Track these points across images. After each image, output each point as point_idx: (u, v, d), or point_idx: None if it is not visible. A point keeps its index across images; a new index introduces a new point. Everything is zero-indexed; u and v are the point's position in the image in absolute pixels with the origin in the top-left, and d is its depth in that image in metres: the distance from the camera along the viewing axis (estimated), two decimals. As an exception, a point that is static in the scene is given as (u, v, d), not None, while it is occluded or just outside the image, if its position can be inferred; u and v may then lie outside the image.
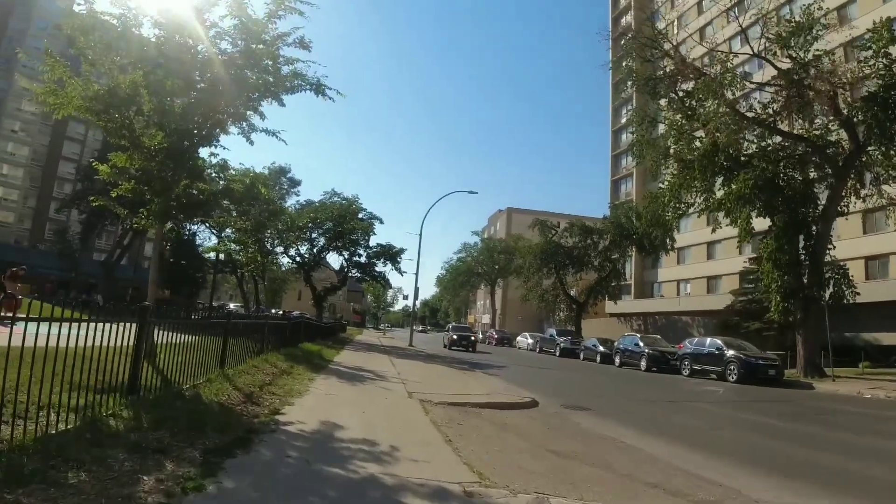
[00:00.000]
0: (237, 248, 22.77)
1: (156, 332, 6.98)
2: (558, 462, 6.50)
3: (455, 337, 37.96)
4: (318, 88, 11.64)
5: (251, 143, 11.22)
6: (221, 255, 28.12)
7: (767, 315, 29.31)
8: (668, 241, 46.70)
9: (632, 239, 47.53)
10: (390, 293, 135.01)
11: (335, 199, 36.83)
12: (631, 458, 7.32)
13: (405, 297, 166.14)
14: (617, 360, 32.16)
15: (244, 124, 10.96)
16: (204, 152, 11.46)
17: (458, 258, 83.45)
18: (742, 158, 28.19)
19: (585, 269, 50.98)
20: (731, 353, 24.38)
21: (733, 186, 26.04)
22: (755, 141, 29.31)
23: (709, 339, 27.32)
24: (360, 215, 37.23)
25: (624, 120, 69.08)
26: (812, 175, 28.43)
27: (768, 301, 39.27)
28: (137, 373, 6.21)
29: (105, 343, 5.35)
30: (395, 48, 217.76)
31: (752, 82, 29.42)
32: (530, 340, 50.09)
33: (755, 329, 37.51)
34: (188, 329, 7.81)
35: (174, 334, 7.17)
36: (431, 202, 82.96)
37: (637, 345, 31.15)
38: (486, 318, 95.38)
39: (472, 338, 38.23)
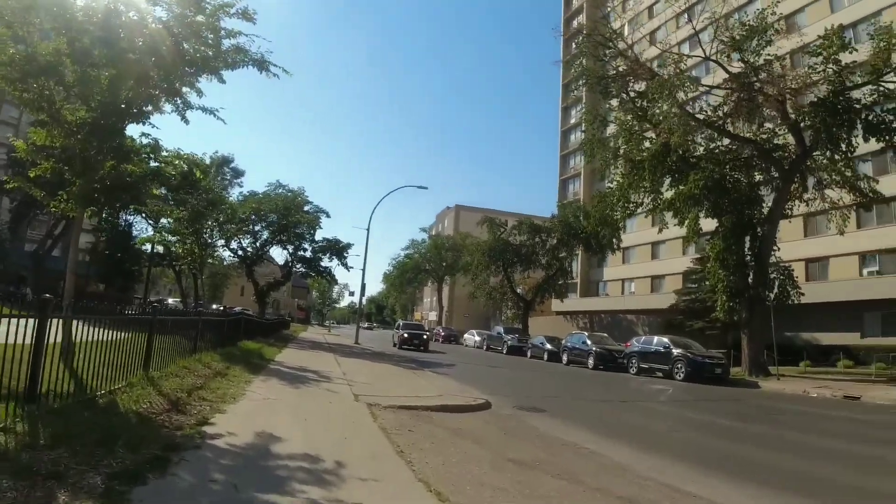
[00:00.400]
0: (173, 239, 21.16)
1: (76, 328, 6.01)
2: (522, 474, 5.91)
3: (406, 335, 35.36)
4: (262, 64, 10.74)
5: (186, 122, 10.24)
6: (159, 248, 26.43)
7: (713, 314, 29.71)
8: (614, 240, 47.31)
9: (579, 238, 47.78)
10: (336, 289, 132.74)
11: (280, 190, 35.53)
12: (597, 466, 6.83)
13: (351, 294, 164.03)
14: (564, 357, 32.02)
15: (179, 101, 9.95)
16: (133, 131, 10.38)
17: (405, 255, 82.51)
18: (691, 160, 28.48)
19: (533, 267, 50.98)
20: (678, 351, 24.56)
21: (683, 187, 26.23)
22: (703, 143, 29.71)
23: (656, 338, 27.47)
24: (307, 208, 36.02)
25: (573, 120, 69.72)
26: (758, 178, 28.98)
27: (712, 300, 40.13)
28: (37, 377, 5.27)
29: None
30: (344, 37, 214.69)
31: (703, 85, 29.77)
32: (477, 338, 49.78)
33: (699, 328, 38.18)
34: (112, 325, 6.85)
35: (98, 330, 6.22)
36: (378, 198, 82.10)
37: (584, 343, 31.16)
38: (433, 316, 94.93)
39: (425, 336, 36.22)
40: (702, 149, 29.79)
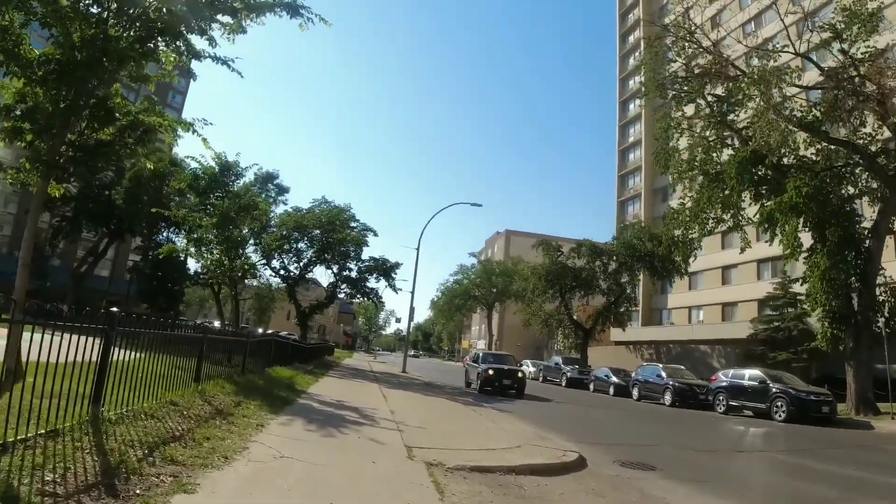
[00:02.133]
0: (194, 249, 18.63)
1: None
2: None
3: (491, 372, 22.55)
4: (294, 8, 8.19)
5: (193, 77, 7.69)
6: (197, 265, 24.53)
7: (814, 343, 26.04)
8: (685, 263, 43.59)
9: (644, 261, 44.05)
10: (382, 315, 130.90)
11: (324, 206, 33.28)
12: None
13: (398, 321, 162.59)
14: (635, 392, 28.83)
15: (181, 44, 7.44)
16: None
17: (454, 280, 79.69)
18: (783, 168, 25.18)
19: (592, 293, 47.36)
20: (777, 387, 21.21)
21: (779, 197, 22.71)
22: (792, 150, 26.30)
23: (748, 371, 23.93)
24: (353, 226, 33.66)
25: (632, 139, 66.44)
26: (854, 189, 25.45)
27: (797, 329, 36.42)
28: None
29: None
30: (395, 57, 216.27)
31: (797, 86, 26.28)
32: (532, 368, 46.30)
33: (783, 359, 34.35)
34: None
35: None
36: (425, 222, 79.74)
37: (659, 376, 27.74)
38: (482, 344, 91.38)
39: (520, 374, 23.44)
40: (792, 157, 26.34)
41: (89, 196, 43.46)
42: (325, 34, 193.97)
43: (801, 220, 23.72)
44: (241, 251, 18.03)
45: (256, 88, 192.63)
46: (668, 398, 25.61)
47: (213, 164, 17.28)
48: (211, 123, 7.97)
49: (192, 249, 17.40)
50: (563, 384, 37.49)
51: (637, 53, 68.38)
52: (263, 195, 37.19)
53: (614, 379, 32.46)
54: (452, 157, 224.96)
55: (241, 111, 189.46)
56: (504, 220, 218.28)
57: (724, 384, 23.85)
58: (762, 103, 23.04)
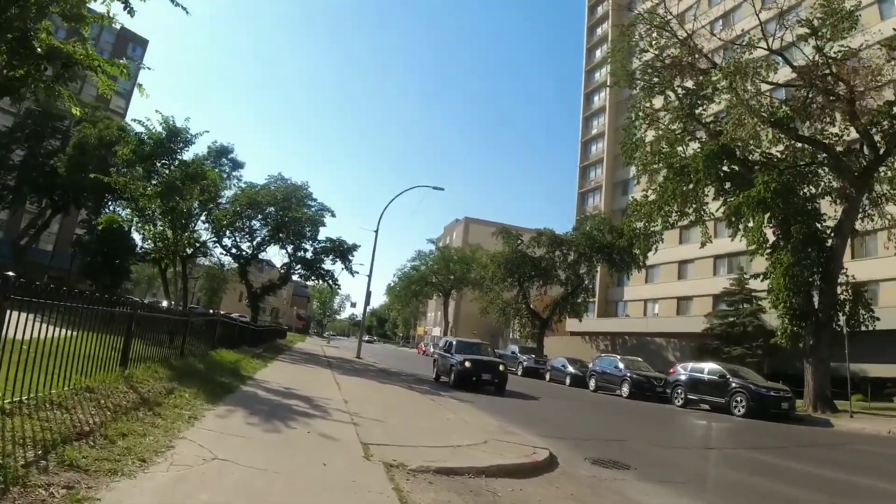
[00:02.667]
0: (136, 220, 16.81)
1: None
2: None
3: (468, 365, 19.48)
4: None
5: (132, 12, 6.55)
6: (142, 240, 22.56)
7: (773, 339, 26.20)
8: (641, 257, 43.80)
9: (603, 252, 43.99)
10: (337, 300, 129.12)
11: (280, 183, 31.74)
12: None
13: (353, 305, 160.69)
14: (592, 383, 28.63)
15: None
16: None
17: (411, 266, 78.62)
18: (749, 164, 25.22)
19: (550, 282, 47.11)
20: (737, 382, 21.00)
21: (751, 191, 22.54)
22: (760, 146, 26.33)
23: (707, 365, 23.83)
24: (310, 204, 32.27)
25: (595, 131, 66.43)
26: (816, 189, 25.62)
27: (752, 325, 36.89)
28: None
29: None
30: (358, 35, 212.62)
31: (769, 82, 26.16)
32: (487, 357, 45.88)
33: (737, 354, 34.73)
34: None
35: None
36: (384, 205, 77.14)
37: (617, 367, 27.53)
38: (437, 331, 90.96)
39: (501, 368, 20.19)
40: (758, 153, 26.39)
41: (33, 165, 40.92)
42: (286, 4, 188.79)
43: (767, 215, 23.69)
44: (187, 225, 16.56)
45: (213, 61, 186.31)
46: (625, 390, 25.35)
47: (159, 128, 15.83)
48: (149, 68, 6.89)
49: (135, 220, 15.82)
50: (520, 373, 37.08)
51: (604, 46, 68.15)
52: (216, 169, 35.60)
53: (571, 369, 32.23)
54: (414, 142, 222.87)
55: (198, 85, 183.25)
56: (463, 208, 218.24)
57: (683, 377, 23.63)
58: (734, 97, 22.85)
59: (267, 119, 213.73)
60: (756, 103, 24.55)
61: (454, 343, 21.93)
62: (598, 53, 69.04)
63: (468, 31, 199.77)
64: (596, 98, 68.01)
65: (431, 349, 63.70)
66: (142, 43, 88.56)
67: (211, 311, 35.54)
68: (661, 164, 28.28)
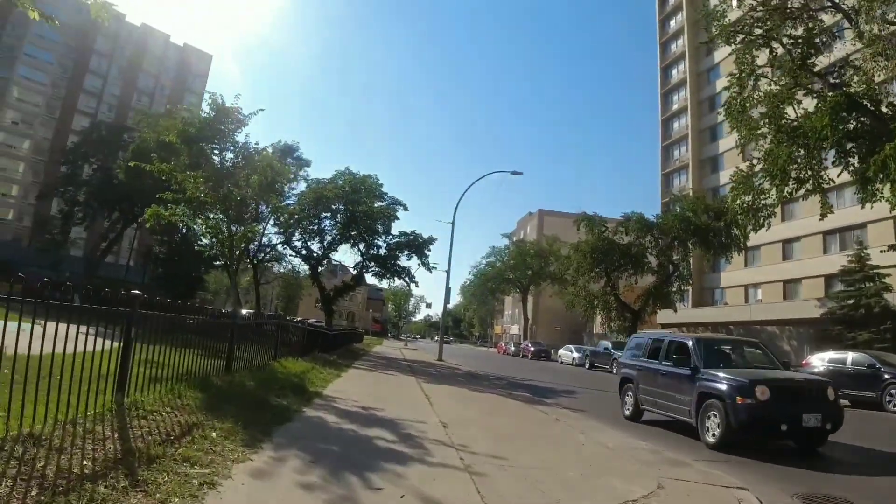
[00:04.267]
0: (181, 212, 14.53)
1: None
2: None
3: (766, 398, 8.17)
4: None
5: None
6: (200, 237, 20.57)
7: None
8: (742, 237, 39.56)
9: (699, 235, 39.82)
10: (412, 301, 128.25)
11: (349, 176, 29.60)
12: None
13: (428, 306, 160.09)
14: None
15: None
16: None
17: (486, 262, 75.86)
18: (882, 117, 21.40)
19: (642, 270, 43.21)
20: (889, 372, 17.73)
21: (887, 146, 18.65)
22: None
23: (851, 354, 20.52)
24: (381, 197, 30.06)
25: (676, 106, 61.71)
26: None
27: (878, 305, 32.18)
28: None
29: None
30: (420, 26, 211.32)
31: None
32: (576, 354, 42.78)
33: (864, 340, 30.22)
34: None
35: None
36: (456, 200, 74.13)
37: None
38: (515, 329, 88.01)
39: (831, 396, 8.82)
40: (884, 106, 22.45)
41: (102, 179, 40.91)
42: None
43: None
44: (245, 216, 14.54)
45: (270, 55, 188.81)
46: None
47: (207, 110, 14.00)
48: None
49: (181, 212, 13.86)
50: (615, 371, 33.78)
51: (679, 16, 63.63)
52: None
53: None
54: (483, 133, 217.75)
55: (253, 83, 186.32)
56: (535, 202, 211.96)
57: (819, 369, 20.17)
58: (869, 33, 19.08)
59: (326, 116, 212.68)
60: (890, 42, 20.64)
61: (693, 345, 9.80)
62: (673, 23, 64.34)
63: (532, 13, 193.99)
64: (674, 71, 63.23)
65: (512, 348, 61.30)
66: (206, 58, 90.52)
67: (292, 319, 34.10)
68: (770, 128, 24.63)
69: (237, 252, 14.65)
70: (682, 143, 59.85)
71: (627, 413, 11.37)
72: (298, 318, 46.60)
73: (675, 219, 41.07)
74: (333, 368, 13.86)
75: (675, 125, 61.97)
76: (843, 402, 17.93)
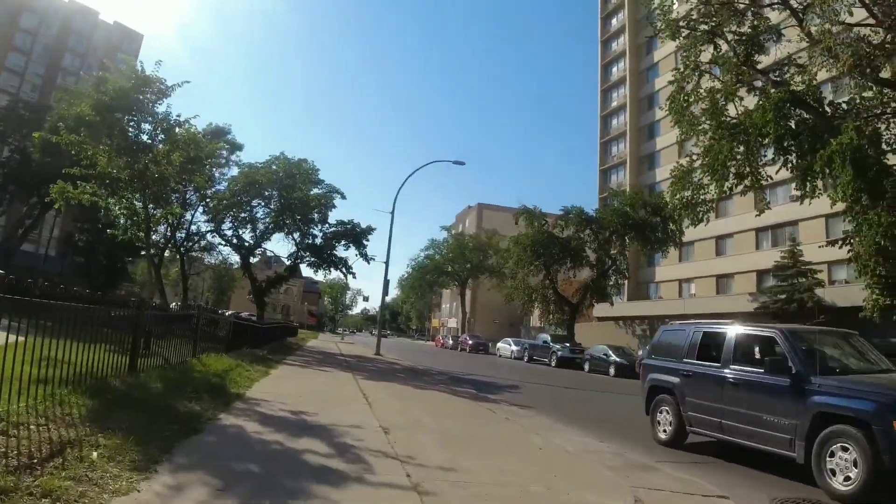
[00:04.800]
0: (92, 190, 12.67)
1: None
2: None
3: None
4: None
5: None
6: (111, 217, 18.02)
7: (862, 313, 22.98)
8: (678, 233, 40.30)
9: (637, 230, 40.31)
10: (349, 295, 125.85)
11: (284, 161, 27.90)
12: None
13: (365, 300, 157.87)
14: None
15: None
16: None
17: (425, 255, 74.97)
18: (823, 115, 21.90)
19: (580, 264, 43.42)
20: None
21: (841, 137, 18.95)
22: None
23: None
24: (317, 189, 28.58)
25: (615, 103, 62.47)
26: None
27: (810, 300, 33.26)
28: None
29: None
30: (366, 17, 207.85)
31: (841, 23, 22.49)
32: (515, 347, 42.64)
33: (797, 334, 30.83)
34: None
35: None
36: (390, 194, 71.29)
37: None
38: (453, 322, 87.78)
39: None
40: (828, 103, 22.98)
41: (19, 160, 37.75)
42: None
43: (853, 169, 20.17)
44: (164, 196, 12.93)
45: (204, 39, 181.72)
46: None
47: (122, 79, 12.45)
48: None
49: (91, 189, 12.10)
50: (553, 364, 33.76)
51: (620, 14, 64.32)
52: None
53: (615, 358, 28.92)
54: (417, 125, 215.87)
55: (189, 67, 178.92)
56: (474, 196, 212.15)
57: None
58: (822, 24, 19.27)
59: (262, 100, 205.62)
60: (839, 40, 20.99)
61: (784, 339, 6.99)
62: (615, 21, 65.10)
63: (475, 4, 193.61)
64: (614, 69, 63.99)
65: (450, 341, 60.65)
66: (137, 38, 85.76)
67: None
68: (711, 124, 24.88)
69: (157, 237, 13.29)
70: (621, 140, 60.70)
71: (664, 436, 8.34)
72: (230, 312, 44.52)
73: (613, 213, 41.45)
74: (262, 365, 12.68)
75: (615, 122, 62.78)
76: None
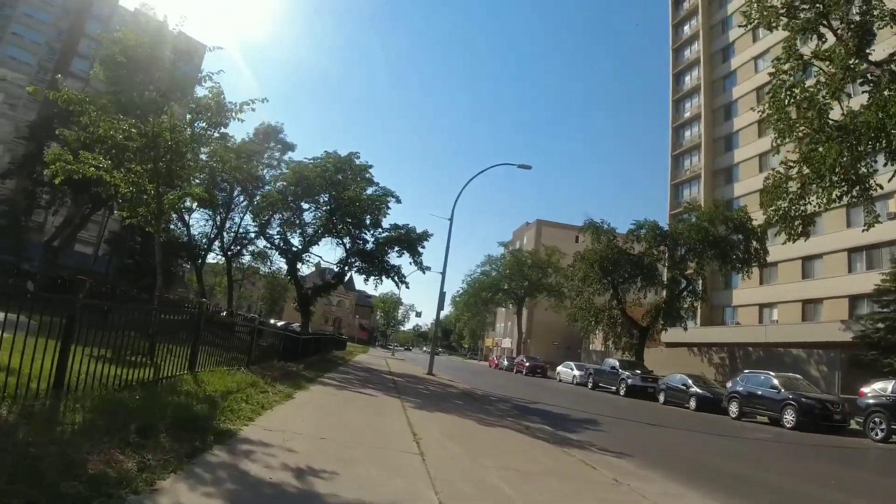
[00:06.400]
0: (94, 159, 10.37)
1: None
2: None
3: None
4: None
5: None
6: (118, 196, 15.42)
7: None
8: (762, 251, 36.47)
9: (717, 247, 36.51)
10: (401, 310, 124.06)
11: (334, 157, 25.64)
12: None
13: (418, 315, 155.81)
14: (734, 408, 21.87)
15: None
16: None
17: (481, 271, 72.03)
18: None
19: (653, 284, 39.73)
20: None
21: None
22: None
23: None
24: (370, 190, 26.16)
25: (687, 114, 58.62)
26: None
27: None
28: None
29: None
30: (419, 34, 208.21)
31: None
32: (577, 372, 39.32)
33: (902, 368, 26.74)
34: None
35: None
36: (448, 205, 68.88)
37: (774, 387, 21.11)
38: (507, 342, 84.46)
39: None
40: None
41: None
42: None
43: None
44: (182, 172, 10.33)
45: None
46: (789, 418, 18.87)
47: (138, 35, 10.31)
48: None
49: (92, 159, 9.82)
50: (622, 393, 30.31)
51: (693, 21, 60.80)
52: (265, 154, 30.37)
53: (696, 389, 25.43)
54: (483, 137, 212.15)
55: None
56: (532, 214, 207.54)
57: (884, 402, 16.98)
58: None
59: (318, 103, 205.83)
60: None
61: None
62: (687, 29, 61.49)
63: (542, 14, 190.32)
64: (687, 78, 60.22)
65: (505, 362, 57.61)
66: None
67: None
68: (813, 124, 21.51)
69: (199, 237, 11.02)
70: (695, 152, 56.75)
71: None
72: (281, 322, 42.79)
73: (691, 229, 37.69)
74: (289, 384, 10.17)
75: (688, 134, 58.90)
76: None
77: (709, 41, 56.87)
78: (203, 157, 11.12)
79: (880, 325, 30.25)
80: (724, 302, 49.94)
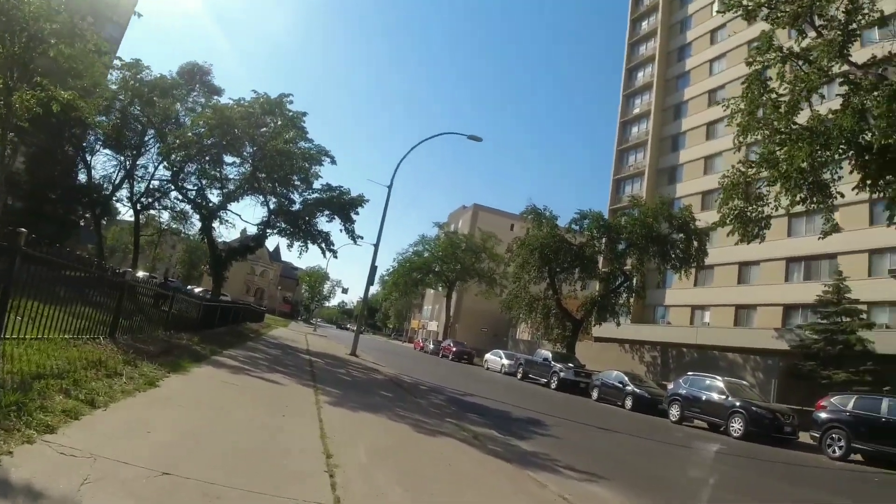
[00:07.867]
0: None
1: None
2: None
3: None
4: None
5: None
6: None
7: None
8: (702, 253, 35.85)
9: (659, 244, 35.57)
10: (327, 285, 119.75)
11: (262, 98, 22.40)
12: None
13: (344, 291, 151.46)
14: (675, 412, 20.70)
15: None
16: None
17: (413, 251, 69.53)
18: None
19: (592, 275, 38.51)
20: None
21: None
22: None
23: (886, 401, 15.87)
24: (302, 144, 23.11)
25: (637, 110, 57.92)
26: None
27: (858, 342, 28.61)
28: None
29: None
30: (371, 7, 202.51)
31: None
32: (506, 361, 37.84)
33: (842, 380, 26.50)
34: None
35: None
36: (387, 174, 64.88)
37: (722, 393, 19.98)
38: (433, 325, 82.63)
39: None
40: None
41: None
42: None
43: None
44: (29, 62, 7.74)
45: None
46: (737, 426, 17.89)
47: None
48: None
49: None
50: (553, 386, 28.82)
51: (651, 18, 60.08)
52: (190, 97, 26.72)
53: (632, 388, 24.13)
54: (430, 108, 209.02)
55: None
56: (470, 199, 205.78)
57: (844, 417, 16.03)
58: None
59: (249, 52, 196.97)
60: None
61: None
62: (645, 25, 60.75)
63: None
64: (640, 74, 59.51)
65: (431, 346, 55.73)
66: None
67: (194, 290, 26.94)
68: (782, 123, 20.21)
69: (15, 120, 8.21)
70: (640, 149, 56.18)
71: None
72: (200, 289, 38.88)
73: (634, 223, 36.58)
74: (163, 364, 7.55)
75: (635, 130, 58.24)
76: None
77: (666, 39, 56.22)
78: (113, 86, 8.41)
79: (817, 337, 29.93)
80: (656, 301, 49.57)
